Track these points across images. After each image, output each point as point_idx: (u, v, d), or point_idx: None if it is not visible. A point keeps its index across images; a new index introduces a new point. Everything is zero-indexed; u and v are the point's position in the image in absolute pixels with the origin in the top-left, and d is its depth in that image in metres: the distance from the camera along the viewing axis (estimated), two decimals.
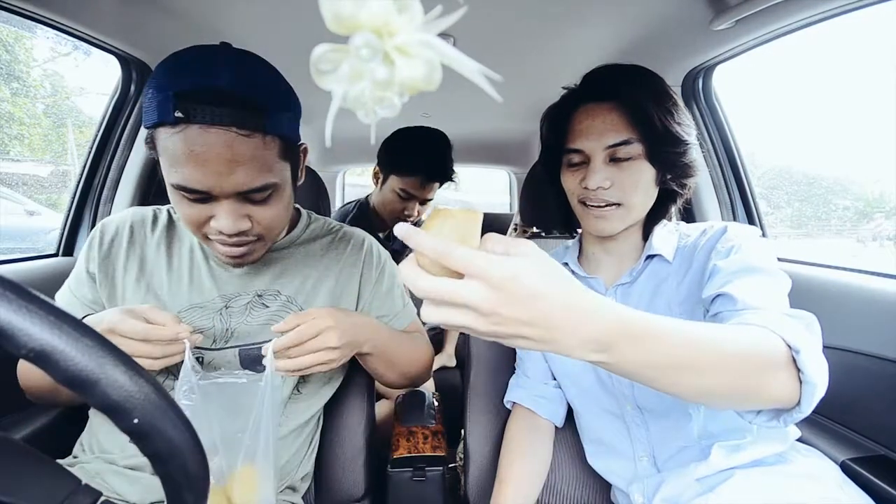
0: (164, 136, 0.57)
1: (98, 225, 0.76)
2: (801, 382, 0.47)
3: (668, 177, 0.69)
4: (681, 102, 0.68)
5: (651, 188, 0.69)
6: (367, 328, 0.72)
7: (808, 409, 0.48)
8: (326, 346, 0.63)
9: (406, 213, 1.39)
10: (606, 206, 0.68)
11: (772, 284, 0.58)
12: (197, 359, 0.70)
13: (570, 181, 0.72)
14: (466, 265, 0.32)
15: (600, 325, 0.36)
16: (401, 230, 0.35)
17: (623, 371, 0.40)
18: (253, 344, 0.73)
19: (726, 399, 0.46)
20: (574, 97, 0.72)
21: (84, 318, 0.65)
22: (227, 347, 0.72)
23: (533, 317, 0.33)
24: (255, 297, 0.75)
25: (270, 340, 0.69)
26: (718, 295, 0.59)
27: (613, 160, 0.67)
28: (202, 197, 0.60)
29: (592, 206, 0.69)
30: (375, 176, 1.43)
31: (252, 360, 0.73)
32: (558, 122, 0.73)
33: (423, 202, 1.40)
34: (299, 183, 0.73)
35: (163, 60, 0.60)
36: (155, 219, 0.77)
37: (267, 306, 0.75)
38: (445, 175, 1.36)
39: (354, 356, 0.73)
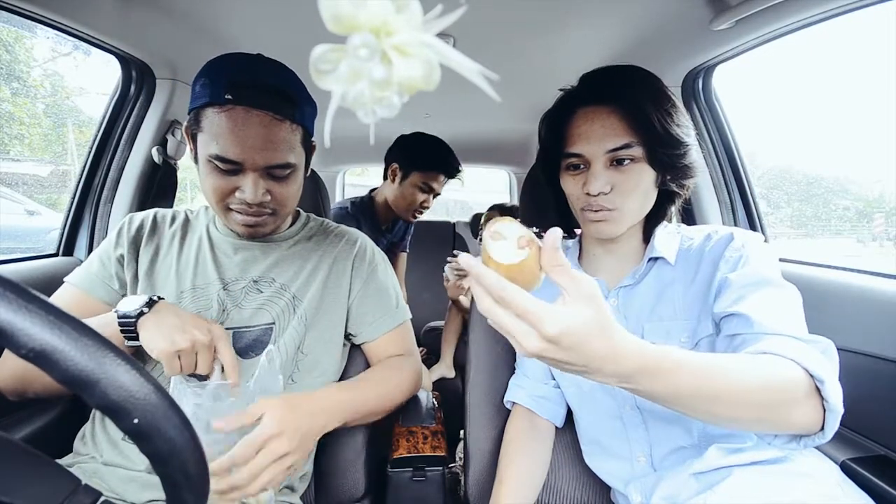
0: (212, 114, 0.68)
1: (126, 217, 0.84)
2: (824, 410, 0.49)
3: (668, 178, 0.68)
4: (679, 104, 0.68)
5: (651, 190, 0.69)
6: (322, 413, 0.69)
7: (831, 434, 0.50)
8: (276, 455, 0.60)
9: (423, 204, 1.59)
10: (604, 209, 0.68)
11: (785, 300, 0.59)
12: None
13: (570, 185, 0.72)
14: (523, 312, 0.37)
15: (622, 365, 0.41)
16: (466, 262, 0.40)
17: (651, 398, 0.45)
18: (245, 327, 0.77)
19: (752, 425, 0.51)
20: (572, 100, 0.71)
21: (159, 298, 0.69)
22: None
23: (570, 359, 0.39)
24: (252, 282, 0.80)
25: (262, 325, 0.78)
26: (733, 314, 0.59)
27: (614, 164, 0.67)
28: (234, 168, 0.69)
29: (592, 210, 0.69)
30: (393, 173, 1.58)
31: (244, 343, 0.76)
32: (556, 126, 0.72)
33: (436, 195, 1.62)
34: (306, 175, 0.81)
35: (213, 59, 0.72)
36: (174, 216, 0.87)
37: (261, 292, 0.80)
38: (457, 172, 1.61)
39: None
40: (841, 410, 0.49)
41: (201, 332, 0.64)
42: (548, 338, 0.37)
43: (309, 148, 0.79)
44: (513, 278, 0.38)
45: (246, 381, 0.65)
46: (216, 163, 0.69)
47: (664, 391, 0.44)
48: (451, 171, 1.58)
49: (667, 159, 0.66)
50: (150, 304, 0.66)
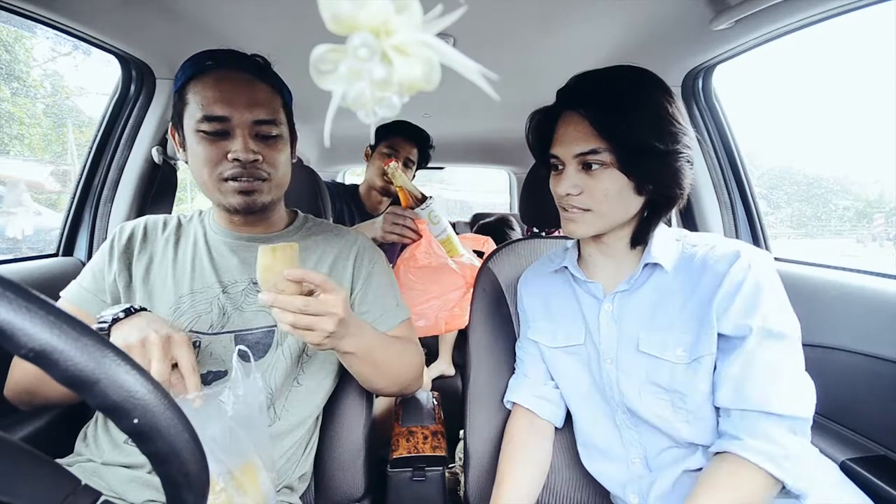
0: (195, 84, 0.73)
1: (116, 228, 0.83)
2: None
3: (649, 187, 0.66)
4: (676, 111, 0.65)
5: (628, 196, 0.67)
6: (358, 328, 0.70)
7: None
8: (322, 328, 0.61)
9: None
10: (575, 209, 0.69)
11: (782, 356, 0.60)
12: (194, 343, 0.73)
13: (553, 184, 0.74)
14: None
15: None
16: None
17: None
18: (247, 329, 0.76)
19: None
20: (557, 104, 0.73)
21: (140, 309, 0.67)
22: (223, 332, 0.75)
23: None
24: (251, 283, 0.79)
25: (264, 327, 0.77)
26: (729, 409, 0.62)
27: (584, 168, 0.67)
28: (222, 129, 0.72)
29: (565, 209, 0.71)
30: (366, 157, 1.63)
31: (246, 346, 0.74)
32: (546, 127, 0.74)
33: (410, 164, 1.60)
34: (293, 161, 0.84)
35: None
36: (166, 222, 0.86)
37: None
38: (420, 136, 1.59)
39: (340, 362, 0.75)
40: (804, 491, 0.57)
41: (158, 333, 0.59)
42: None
43: (292, 126, 0.82)
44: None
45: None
46: (204, 127, 0.71)
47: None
48: (409, 132, 1.56)
49: (641, 167, 0.64)
50: (129, 312, 0.64)
